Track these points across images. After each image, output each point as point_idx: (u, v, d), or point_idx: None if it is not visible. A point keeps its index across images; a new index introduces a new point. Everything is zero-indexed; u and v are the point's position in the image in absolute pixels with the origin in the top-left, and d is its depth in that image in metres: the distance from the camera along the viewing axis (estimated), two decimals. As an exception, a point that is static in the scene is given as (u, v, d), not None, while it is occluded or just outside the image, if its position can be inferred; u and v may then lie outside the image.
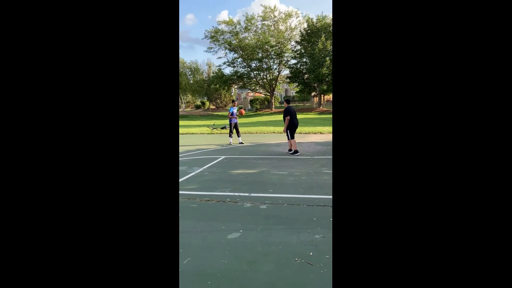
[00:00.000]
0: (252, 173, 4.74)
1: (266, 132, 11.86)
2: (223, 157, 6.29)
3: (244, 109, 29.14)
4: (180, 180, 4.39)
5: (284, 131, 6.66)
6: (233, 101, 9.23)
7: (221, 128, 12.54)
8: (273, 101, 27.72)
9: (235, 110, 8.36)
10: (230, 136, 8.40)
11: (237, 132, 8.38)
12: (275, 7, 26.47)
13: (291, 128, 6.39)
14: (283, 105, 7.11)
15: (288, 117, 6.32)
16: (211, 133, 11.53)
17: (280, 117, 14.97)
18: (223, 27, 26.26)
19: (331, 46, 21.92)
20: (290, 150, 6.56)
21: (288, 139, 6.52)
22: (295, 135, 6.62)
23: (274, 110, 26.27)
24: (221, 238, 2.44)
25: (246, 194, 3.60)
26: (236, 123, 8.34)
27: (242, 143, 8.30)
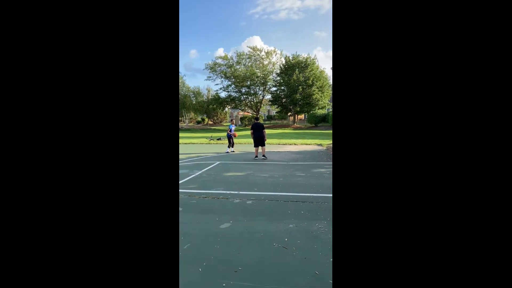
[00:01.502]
0: (241, 175, 4.70)
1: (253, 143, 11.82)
2: (218, 162, 6.22)
3: (236, 125, 29.16)
4: (182, 181, 4.30)
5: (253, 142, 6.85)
6: (232, 119, 9.14)
7: (217, 139, 12.43)
8: (260, 119, 28.16)
9: (233, 128, 8.27)
10: (231, 146, 8.26)
11: (232, 143, 8.27)
12: (261, 48, 27.14)
13: (254, 139, 6.60)
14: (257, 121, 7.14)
15: (252, 130, 6.60)
16: (209, 143, 11.40)
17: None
18: (220, 61, 26.52)
19: (303, 78, 22.46)
20: (256, 156, 6.65)
21: (255, 146, 6.68)
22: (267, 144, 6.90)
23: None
24: (214, 228, 2.39)
25: (236, 192, 3.56)
26: (231, 136, 8.26)
27: (233, 151, 8.24)
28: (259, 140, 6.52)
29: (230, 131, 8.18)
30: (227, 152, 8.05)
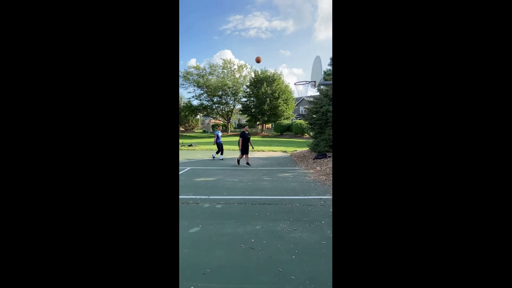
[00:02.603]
0: (211, 180, 4.60)
1: (224, 149, 11.66)
2: (188, 168, 6.00)
3: (206, 131, 28.52)
4: (152, 186, 4.05)
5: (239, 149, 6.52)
6: (217, 125, 8.53)
7: (188, 146, 12.01)
8: (229, 126, 27.89)
9: (220, 134, 7.69)
10: (222, 153, 7.63)
11: (221, 150, 7.67)
12: (233, 61, 27.39)
13: (244, 147, 6.37)
14: (243, 129, 6.75)
15: (242, 139, 6.34)
16: (180, 150, 10.96)
17: (235, 138, 14.95)
18: (192, 70, 26.00)
19: (270, 91, 23.17)
20: (247, 163, 6.44)
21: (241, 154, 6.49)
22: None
23: (230, 133, 26.33)
24: (184, 232, 2.29)
25: (206, 197, 3.47)
26: (221, 143, 7.64)
27: (222, 159, 7.52)
28: (247, 148, 6.39)
29: (218, 138, 7.62)
30: (213, 157, 7.67)
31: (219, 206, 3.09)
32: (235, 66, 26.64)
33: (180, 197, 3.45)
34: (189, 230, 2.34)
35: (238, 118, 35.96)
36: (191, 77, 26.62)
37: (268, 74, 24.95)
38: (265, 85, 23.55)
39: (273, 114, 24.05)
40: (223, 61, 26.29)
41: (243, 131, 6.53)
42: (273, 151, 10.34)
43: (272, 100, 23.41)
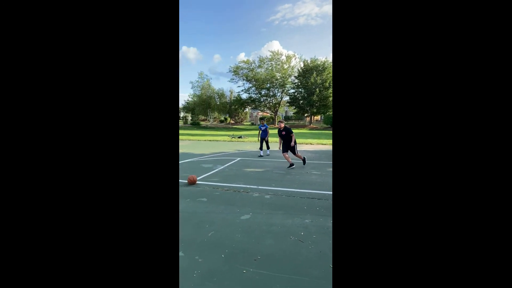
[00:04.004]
0: (260, 171, 4.72)
1: (271, 141, 11.77)
2: (239, 158, 6.29)
3: (253, 124, 29.15)
4: (207, 174, 4.42)
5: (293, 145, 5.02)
6: (263, 118, 7.09)
7: (238, 137, 12.56)
8: (276, 119, 27.89)
9: (264, 128, 6.71)
10: (268, 148, 6.92)
11: (267, 145, 6.90)
12: (282, 52, 26.97)
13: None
14: (283, 124, 5.13)
15: (293, 134, 4.99)
16: (231, 141, 11.57)
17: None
18: (242, 64, 26.72)
19: (320, 80, 21.90)
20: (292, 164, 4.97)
21: (295, 153, 5.07)
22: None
23: (276, 125, 26.50)
24: (236, 218, 2.43)
25: (255, 187, 3.58)
26: (264, 138, 6.74)
27: (268, 154, 6.74)
28: (288, 146, 5.04)
29: (264, 133, 6.56)
30: (268, 154, 6.62)
31: (268, 196, 3.15)
32: (283, 57, 26.10)
33: (231, 185, 3.66)
34: (240, 217, 2.47)
35: (286, 110, 35.48)
36: (240, 71, 27.46)
37: (318, 62, 23.54)
38: (314, 74, 22.35)
39: (323, 106, 22.76)
40: (271, 53, 26.07)
41: (286, 127, 5.10)
42: (322, 144, 9.87)
43: (322, 90, 22.11)
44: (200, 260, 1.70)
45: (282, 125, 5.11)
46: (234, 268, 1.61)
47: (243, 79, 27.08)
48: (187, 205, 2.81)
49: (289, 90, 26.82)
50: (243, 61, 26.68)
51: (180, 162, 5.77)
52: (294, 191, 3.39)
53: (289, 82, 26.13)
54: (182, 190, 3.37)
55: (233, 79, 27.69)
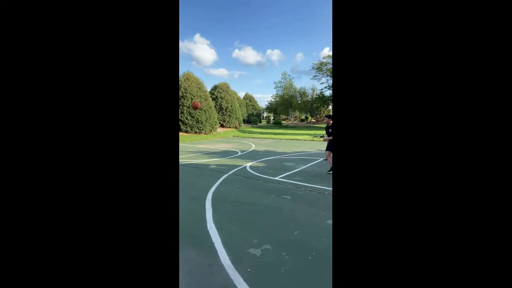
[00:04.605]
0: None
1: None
2: (321, 159, 6.03)
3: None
4: (289, 172, 4.48)
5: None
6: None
7: (320, 137, 12.05)
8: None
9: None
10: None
11: None
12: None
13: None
14: (331, 121, 4.26)
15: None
16: (312, 140, 11.24)
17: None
18: (326, 60, 25.34)
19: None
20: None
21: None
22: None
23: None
24: (322, 222, 2.34)
25: (342, 191, 3.32)
26: None
27: None
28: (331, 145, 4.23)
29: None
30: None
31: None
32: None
33: (315, 186, 3.55)
34: (326, 221, 2.36)
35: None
36: (324, 67, 26.16)
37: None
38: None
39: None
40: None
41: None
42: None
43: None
44: (287, 257, 1.75)
45: (331, 121, 4.25)
46: (322, 271, 1.55)
47: (327, 75, 25.64)
48: (273, 201, 2.95)
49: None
50: (328, 56, 25.22)
51: (263, 159, 6.15)
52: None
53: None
54: (266, 186, 3.58)
55: (316, 76, 26.74)
